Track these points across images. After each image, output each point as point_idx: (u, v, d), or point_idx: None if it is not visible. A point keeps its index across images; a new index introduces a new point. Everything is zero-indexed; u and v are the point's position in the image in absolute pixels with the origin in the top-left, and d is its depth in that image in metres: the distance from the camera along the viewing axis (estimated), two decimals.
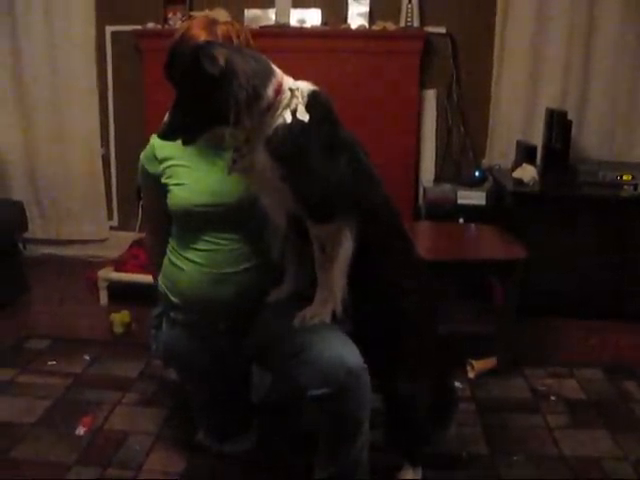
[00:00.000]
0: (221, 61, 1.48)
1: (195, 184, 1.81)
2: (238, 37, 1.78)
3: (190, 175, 1.83)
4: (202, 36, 1.72)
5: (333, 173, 1.57)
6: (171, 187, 1.83)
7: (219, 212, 1.79)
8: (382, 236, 1.73)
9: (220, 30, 1.76)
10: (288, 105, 1.55)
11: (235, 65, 1.50)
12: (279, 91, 1.55)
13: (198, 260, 1.82)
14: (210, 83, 1.49)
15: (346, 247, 1.62)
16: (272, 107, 1.54)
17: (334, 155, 1.59)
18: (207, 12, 1.83)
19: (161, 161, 1.86)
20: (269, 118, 1.55)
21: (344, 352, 1.65)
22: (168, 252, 1.92)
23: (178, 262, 1.86)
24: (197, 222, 1.82)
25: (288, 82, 1.59)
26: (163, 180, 1.86)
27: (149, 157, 1.88)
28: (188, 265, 1.83)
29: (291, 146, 1.54)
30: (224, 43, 1.66)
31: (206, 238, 1.82)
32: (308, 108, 1.56)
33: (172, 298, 1.87)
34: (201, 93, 1.52)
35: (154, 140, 1.86)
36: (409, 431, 1.89)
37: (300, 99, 1.56)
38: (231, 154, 1.65)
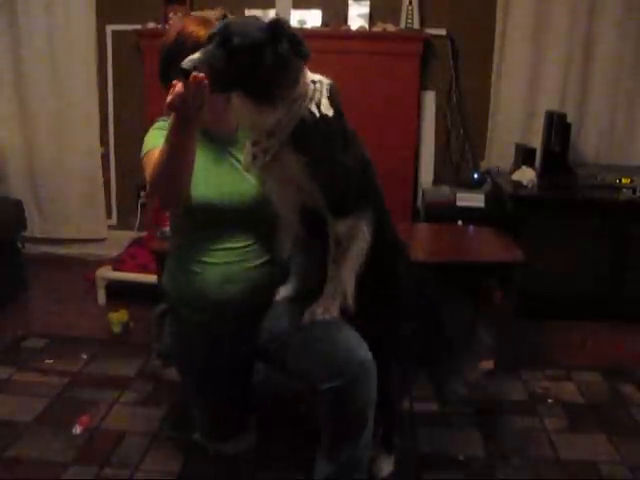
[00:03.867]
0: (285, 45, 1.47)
1: (205, 184, 1.76)
2: None
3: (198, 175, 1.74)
4: (201, 32, 1.68)
5: (351, 165, 1.57)
6: None
7: (229, 213, 1.78)
8: (387, 229, 1.73)
9: None
10: (312, 98, 1.53)
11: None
12: (305, 82, 1.53)
13: (212, 261, 1.80)
14: (274, 62, 1.46)
15: (361, 242, 1.62)
16: (299, 98, 1.52)
17: (348, 148, 1.58)
18: (201, 12, 1.83)
19: None
20: (295, 109, 1.51)
21: (355, 345, 1.66)
22: (177, 259, 1.89)
23: (191, 267, 1.82)
24: (210, 222, 1.80)
25: (308, 73, 1.57)
26: None
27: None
28: (202, 268, 1.81)
29: (317, 139, 1.52)
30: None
31: (220, 239, 1.80)
32: (329, 101, 1.54)
33: (181, 301, 1.85)
34: (256, 66, 1.46)
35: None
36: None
37: (323, 92, 1.54)
38: (249, 149, 1.60)
